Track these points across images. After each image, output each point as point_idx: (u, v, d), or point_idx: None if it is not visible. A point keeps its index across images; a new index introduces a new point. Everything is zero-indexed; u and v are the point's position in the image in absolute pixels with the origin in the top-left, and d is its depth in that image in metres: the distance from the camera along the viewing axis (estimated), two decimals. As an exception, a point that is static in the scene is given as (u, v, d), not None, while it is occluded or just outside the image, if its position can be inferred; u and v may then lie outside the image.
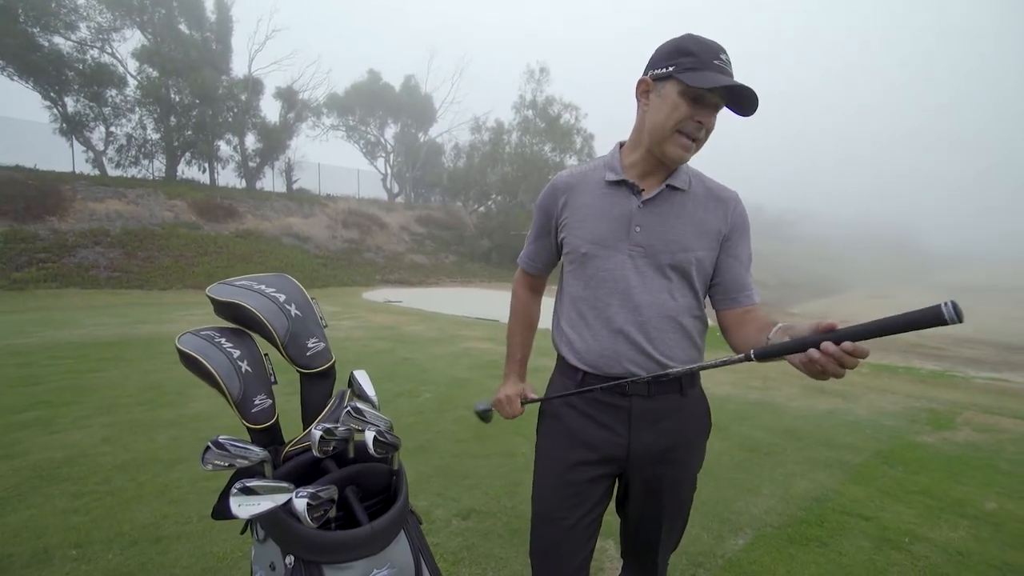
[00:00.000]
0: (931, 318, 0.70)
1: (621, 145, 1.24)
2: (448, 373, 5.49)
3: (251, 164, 22.56)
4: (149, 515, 2.46)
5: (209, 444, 0.85)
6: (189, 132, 20.11)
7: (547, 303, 1.38)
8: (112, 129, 18.83)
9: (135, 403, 4.13)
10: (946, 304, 0.69)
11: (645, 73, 1.12)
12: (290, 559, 0.80)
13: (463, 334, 8.23)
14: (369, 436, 0.95)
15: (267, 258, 16.59)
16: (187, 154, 20.65)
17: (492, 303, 13.52)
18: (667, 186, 1.16)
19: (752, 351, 0.89)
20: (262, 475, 0.91)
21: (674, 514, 1.29)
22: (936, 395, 5.39)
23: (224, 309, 1.10)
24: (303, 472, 0.99)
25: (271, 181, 23.72)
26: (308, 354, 1.09)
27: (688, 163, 1.20)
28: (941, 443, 3.75)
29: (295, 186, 23.96)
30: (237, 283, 1.13)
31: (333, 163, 26.39)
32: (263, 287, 1.11)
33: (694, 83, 1.02)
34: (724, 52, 1.05)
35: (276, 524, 0.82)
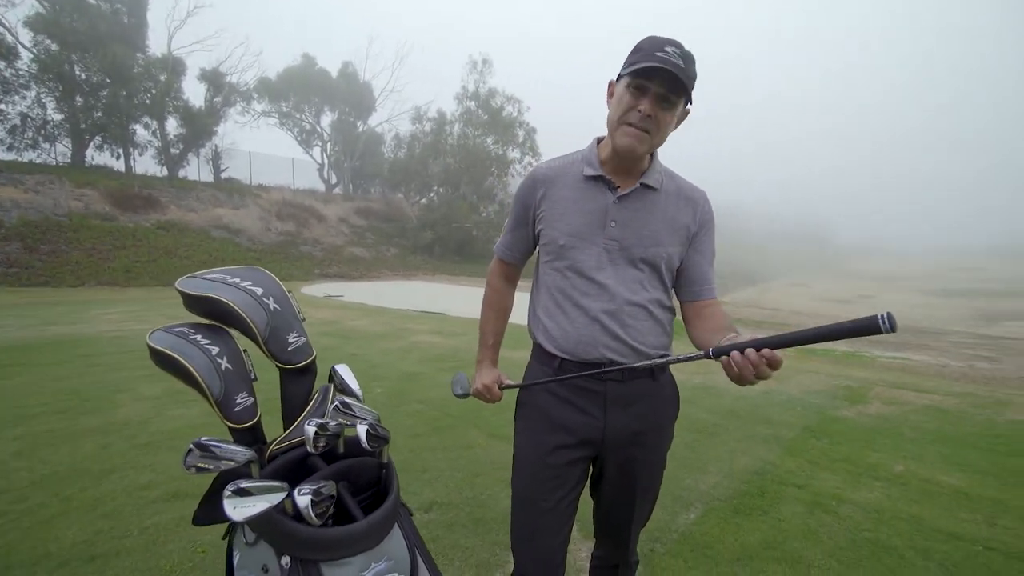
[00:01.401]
0: (868, 327, 0.78)
1: (599, 140, 1.28)
2: (399, 368, 5.41)
3: (173, 151, 20.89)
4: (79, 532, 2.27)
5: (191, 446, 0.81)
6: (99, 114, 18.27)
7: (519, 298, 1.41)
8: (1, 107, 16.72)
9: (51, 412, 3.76)
10: (883, 317, 0.76)
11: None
12: (286, 559, 0.78)
13: (410, 327, 8.12)
14: (362, 430, 0.94)
15: (194, 251, 15.50)
16: (97, 138, 18.77)
17: (437, 296, 13.40)
18: (641, 184, 1.21)
19: (711, 349, 0.98)
20: (248, 476, 0.87)
21: (646, 493, 1.36)
22: (850, 373, 5.95)
23: (197, 304, 1.04)
24: (291, 470, 0.96)
25: (196, 170, 22.09)
26: (289, 349, 1.05)
27: (659, 162, 1.27)
28: (857, 416, 4.16)
29: (224, 175, 22.44)
30: (208, 276, 1.07)
31: (266, 151, 24.98)
32: (238, 280, 1.05)
33: (626, 71, 1.10)
34: (673, 45, 1.08)
35: (270, 524, 0.79)
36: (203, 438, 0.82)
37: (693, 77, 1.09)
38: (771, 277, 33.75)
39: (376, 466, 0.98)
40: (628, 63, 1.11)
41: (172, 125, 20.82)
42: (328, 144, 29.61)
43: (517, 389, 1.36)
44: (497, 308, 1.46)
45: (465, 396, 1.40)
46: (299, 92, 27.66)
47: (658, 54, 1.06)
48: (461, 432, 3.56)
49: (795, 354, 7.30)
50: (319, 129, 29.47)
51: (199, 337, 0.99)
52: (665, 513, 2.50)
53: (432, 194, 26.53)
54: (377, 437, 0.96)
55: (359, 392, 1.12)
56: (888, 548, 2.27)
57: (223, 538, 0.97)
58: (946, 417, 4.19)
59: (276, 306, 1.06)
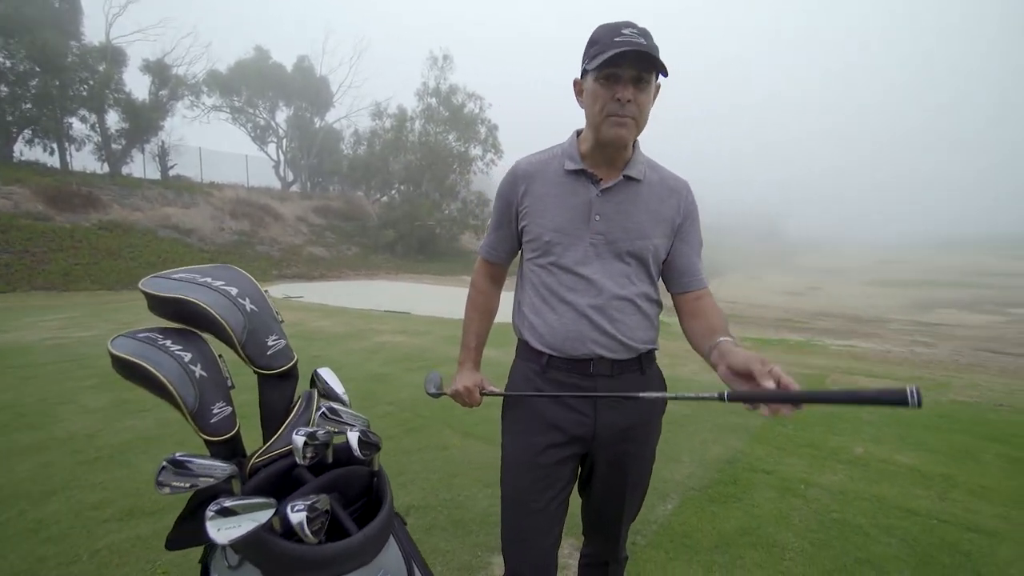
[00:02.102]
0: (895, 399, 0.75)
1: (578, 133, 1.26)
2: (365, 369, 5.28)
3: (115, 146, 19.66)
4: (19, 559, 2.08)
5: (164, 463, 0.73)
6: (28, 105, 16.96)
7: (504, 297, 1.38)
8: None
9: (-19, 428, 3.46)
10: (912, 392, 0.73)
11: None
12: (275, 581, 0.72)
13: (375, 328, 7.94)
14: (353, 438, 0.88)
15: (140, 252, 14.64)
16: (27, 132, 17.43)
17: (401, 295, 13.18)
18: (624, 176, 1.20)
19: (726, 394, 0.92)
20: (229, 492, 0.80)
21: (635, 488, 1.36)
22: (807, 361, 6.21)
23: (165, 306, 0.95)
24: (276, 484, 0.88)
25: (142, 167, 20.86)
26: (269, 353, 0.98)
27: (641, 152, 1.26)
28: (818, 402, 4.34)
29: (171, 172, 21.29)
30: (176, 276, 0.98)
31: (217, 148, 23.86)
32: (209, 280, 0.96)
33: (592, 66, 1.08)
34: (629, 26, 1.07)
35: (257, 545, 0.73)
36: (177, 453, 0.75)
37: (657, 50, 1.07)
38: (726, 271, 35.00)
39: (367, 475, 0.92)
40: (590, 56, 1.10)
41: (113, 119, 19.57)
42: (284, 140, 28.59)
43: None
44: (482, 310, 1.43)
45: (439, 395, 1.35)
46: (252, 86, 26.56)
47: (618, 39, 1.05)
48: (435, 433, 3.50)
49: (750, 344, 7.59)
50: (274, 125, 28.41)
51: (168, 343, 0.90)
52: (644, 505, 2.52)
53: (393, 192, 26.04)
54: (369, 444, 0.90)
55: (345, 397, 1.06)
56: (854, 527, 2.37)
57: (200, 562, 0.89)
58: (897, 400, 4.43)
59: (253, 307, 0.98)
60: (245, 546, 0.70)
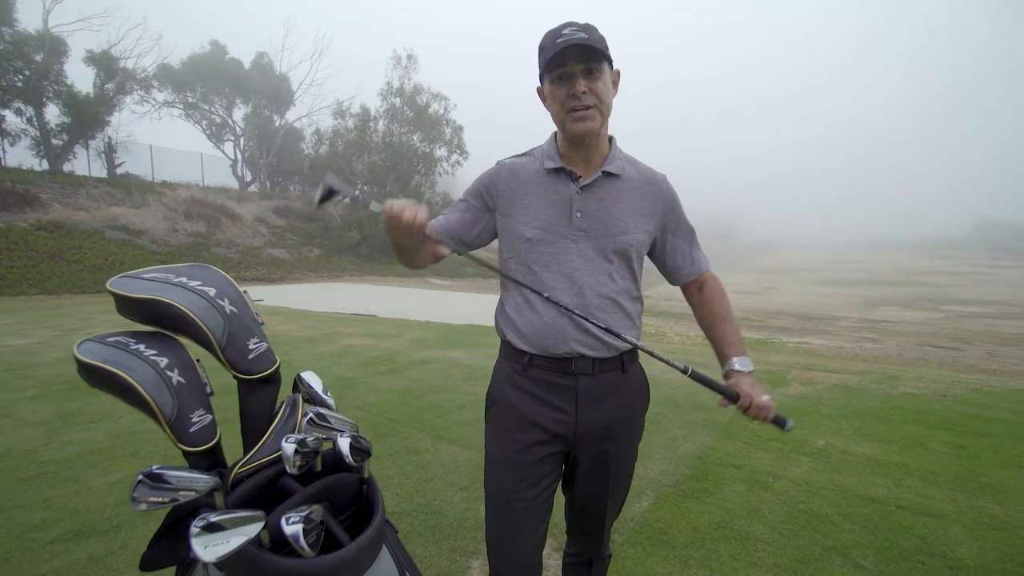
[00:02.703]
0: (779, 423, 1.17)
1: (555, 135, 1.26)
2: (332, 373, 5.13)
3: (55, 142, 18.47)
4: (-48, 590, 1.92)
5: (141, 477, 0.67)
6: (-45, 97, 15.78)
7: (485, 299, 1.35)
8: None
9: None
10: (789, 424, 1.16)
11: None
12: (265, 598, 0.67)
13: (340, 331, 7.75)
14: (344, 444, 0.84)
15: (85, 254, 13.80)
16: (-46, 125, 16.19)
17: (366, 297, 12.92)
18: (603, 172, 1.21)
19: (689, 369, 1.15)
20: (212, 506, 0.75)
21: (619, 485, 1.36)
22: (768, 358, 6.44)
23: (135, 308, 0.88)
24: (261, 496, 0.83)
25: (86, 164, 19.70)
26: (250, 357, 0.92)
27: (619, 148, 1.27)
28: (780, 397, 4.50)
29: (119, 170, 20.19)
30: (148, 276, 0.91)
31: (170, 145, 22.78)
32: (184, 280, 0.90)
33: (544, 70, 1.13)
34: (569, 25, 1.11)
35: (246, 561, 0.68)
36: (154, 466, 0.69)
37: (601, 40, 1.11)
38: (688, 272, 35.92)
39: (356, 482, 0.88)
40: (541, 62, 1.14)
41: (53, 113, 18.40)
42: (242, 139, 27.58)
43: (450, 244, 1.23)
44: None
45: (330, 198, 1.00)
46: (207, 82, 25.50)
47: (559, 40, 1.09)
48: (406, 437, 3.43)
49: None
50: (231, 123, 27.38)
51: (142, 347, 0.84)
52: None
53: (357, 192, 25.49)
54: (360, 450, 0.87)
55: (331, 401, 1.01)
56: (820, 517, 2.46)
57: (177, 581, 0.83)
58: (852, 394, 4.65)
59: (232, 308, 0.92)
60: (231, 562, 0.66)
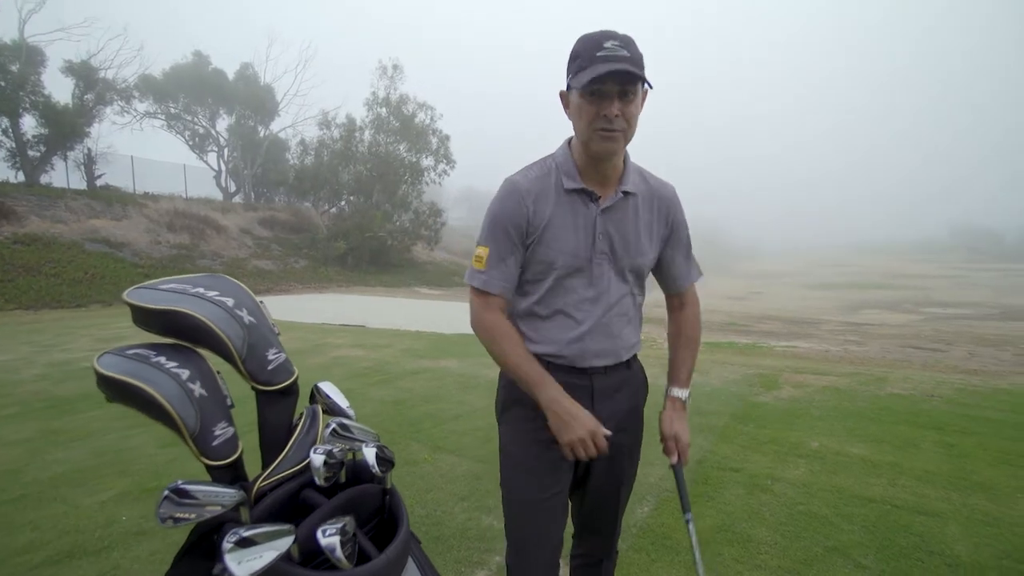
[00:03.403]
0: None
1: (569, 141, 1.25)
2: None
3: (32, 153, 18.08)
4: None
5: (167, 493, 0.66)
6: (-72, 108, 15.37)
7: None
8: None
9: None
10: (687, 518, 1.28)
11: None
12: (295, 613, 0.66)
13: (329, 342, 7.66)
14: (370, 454, 0.83)
15: (65, 268, 13.47)
16: (-73, 137, 15.76)
17: (354, 308, 12.81)
18: (622, 192, 1.21)
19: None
20: (236, 521, 0.73)
21: (630, 480, 1.40)
22: (758, 363, 6.51)
23: (155, 319, 0.86)
24: (285, 509, 0.82)
25: (64, 176, 19.26)
26: (269, 368, 0.91)
27: (631, 161, 1.28)
28: (774, 400, 4.56)
29: (99, 182, 19.79)
30: (164, 287, 0.89)
31: (152, 157, 22.44)
32: (201, 290, 0.89)
33: (576, 84, 1.07)
34: (611, 38, 1.05)
35: (278, 575, 0.66)
36: (180, 481, 0.68)
37: (641, 59, 1.06)
38: (675, 278, 36.25)
39: (379, 493, 0.87)
40: (573, 71, 1.08)
41: (30, 124, 18.00)
42: (225, 150, 27.28)
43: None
44: (517, 338, 1.22)
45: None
46: (190, 92, 25.21)
47: (600, 54, 1.03)
48: (403, 448, 3.39)
49: (707, 348, 7.89)
50: (215, 133, 27.07)
51: (163, 359, 0.82)
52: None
53: (343, 203, 25.35)
54: (385, 460, 0.86)
55: (351, 411, 1.00)
56: (820, 518, 2.49)
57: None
58: (842, 395, 4.72)
59: (251, 319, 0.91)
60: (263, 577, 0.64)
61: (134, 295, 0.87)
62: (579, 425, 1.11)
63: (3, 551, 2.24)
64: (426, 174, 25.39)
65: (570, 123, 1.20)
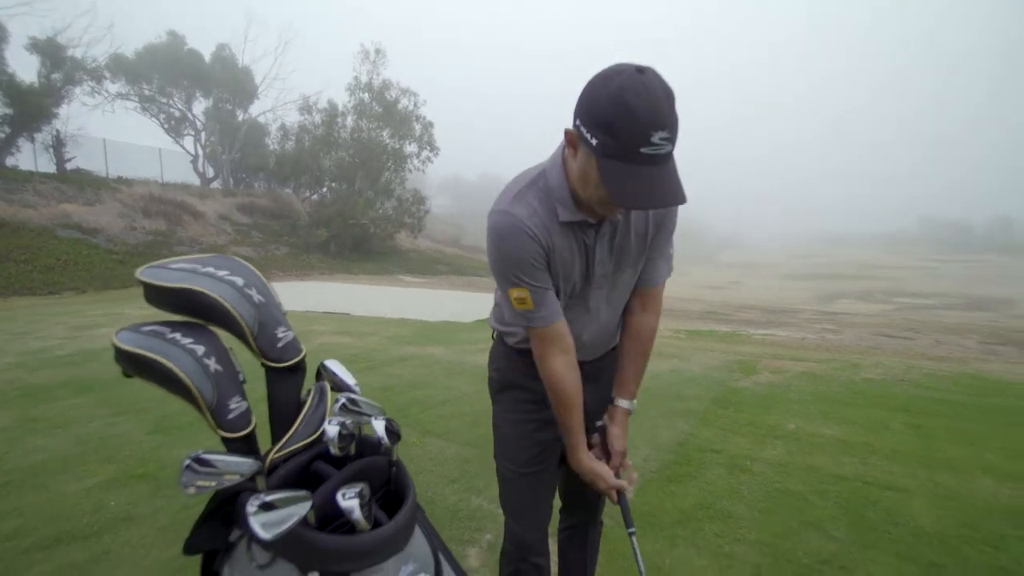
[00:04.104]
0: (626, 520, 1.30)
1: (564, 161, 1.07)
2: (309, 371, 5.05)
3: (-5, 134, 17.39)
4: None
5: (189, 462, 0.69)
6: None
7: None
8: None
9: None
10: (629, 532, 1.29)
11: (574, 120, 0.94)
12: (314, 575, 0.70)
13: (314, 329, 7.61)
14: (379, 426, 0.87)
15: (35, 255, 13.04)
16: None
17: (338, 296, 12.70)
18: (618, 215, 1.13)
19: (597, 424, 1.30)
20: (253, 490, 0.76)
21: None
22: (738, 349, 6.69)
23: (168, 297, 0.88)
24: (298, 479, 0.85)
25: (32, 158, 18.57)
26: (279, 346, 0.93)
27: None
28: (752, 385, 4.70)
29: (69, 165, 19.13)
30: (174, 266, 0.91)
31: (125, 140, 21.73)
32: (212, 269, 0.90)
33: (611, 195, 0.91)
34: (662, 126, 0.85)
35: (294, 539, 0.70)
36: (201, 452, 0.70)
37: (677, 132, 0.89)
38: (656, 268, 36.70)
39: (386, 465, 0.91)
40: (606, 151, 0.88)
41: (-8, 103, 17.27)
42: (203, 134, 26.56)
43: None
44: (579, 400, 1.21)
45: None
46: (165, 74, 24.41)
47: (645, 151, 0.85)
48: (393, 433, 3.43)
49: (685, 336, 8.06)
50: (191, 116, 26.31)
51: (178, 336, 0.84)
52: (609, 489, 2.64)
53: (325, 189, 24.96)
54: (393, 432, 0.89)
55: (357, 388, 1.03)
56: (795, 495, 2.61)
57: (213, 568, 0.83)
58: (819, 380, 4.90)
59: (260, 298, 0.93)
60: (284, 541, 0.68)
61: (147, 274, 0.88)
62: (603, 484, 1.23)
63: (-11, 536, 2.22)
64: (409, 161, 25.11)
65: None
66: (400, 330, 7.66)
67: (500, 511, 1.44)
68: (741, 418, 3.74)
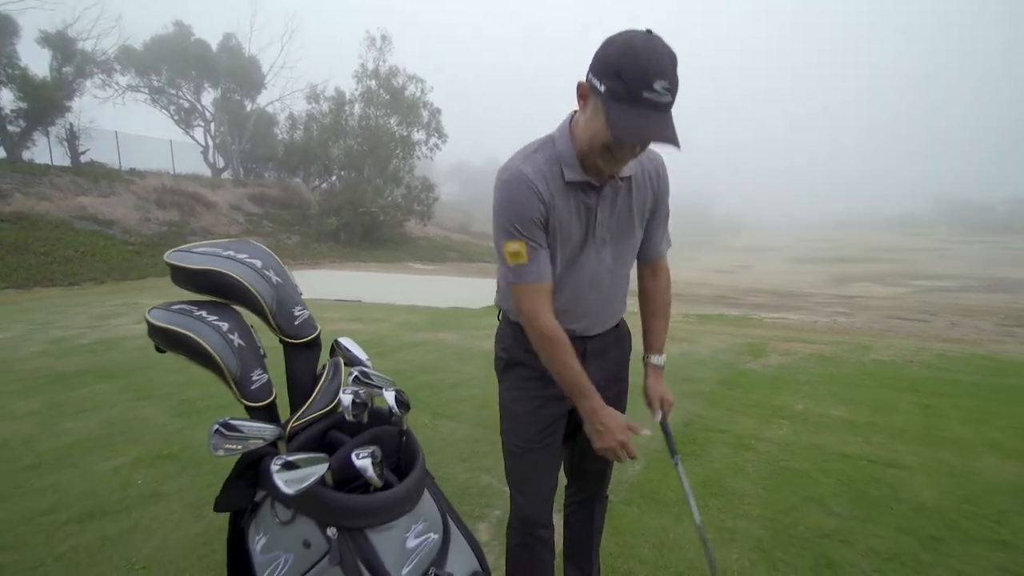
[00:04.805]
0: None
1: (571, 124, 1.18)
2: (322, 357, 5.17)
3: (12, 128, 17.64)
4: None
5: (218, 426, 0.75)
6: None
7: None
8: None
9: None
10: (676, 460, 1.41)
11: (587, 75, 1.04)
12: (332, 531, 0.76)
13: (327, 316, 7.74)
14: (390, 396, 0.93)
15: (54, 246, 13.33)
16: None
17: (349, 284, 12.84)
18: (619, 179, 1.22)
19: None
20: (276, 454, 0.83)
21: None
22: (747, 332, 6.69)
23: (194, 278, 0.94)
24: (315, 446, 0.92)
25: (47, 152, 18.85)
26: (296, 323, 1.00)
27: None
28: (760, 367, 4.73)
29: (84, 158, 19.41)
30: (198, 251, 0.97)
31: (137, 132, 21.95)
32: (232, 253, 0.97)
33: (612, 130, 0.99)
34: (661, 76, 0.95)
35: (314, 497, 0.77)
36: (228, 418, 0.77)
37: (677, 89, 0.99)
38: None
39: (397, 434, 0.98)
40: (609, 89, 0.98)
41: (8, 98, 17.51)
42: (212, 124, 26.71)
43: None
44: (568, 344, 1.22)
45: None
46: (173, 64, 24.52)
47: (646, 95, 0.95)
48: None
49: (695, 320, 8.06)
50: (200, 107, 26.45)
51: (204, 313, 0.91)
52: (615, 468, 2.69)
53: (334, 178, 25.04)
54: (403, 403, 0.96)
55: (369, 363, 1.10)
56: (799, 472, 2.66)
57: (242, 523, 0.91)
58: (828, 362, 4.91)
59: (278, 279, 0.99)
60: (300, 499, 0.74)
61: (174, 256, 0.95)
62: (610, 437, 1.17)
63: (29, 511, 2.35)
64: (417, 148, 25.07)
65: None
66: (411, 316, 7.76)
67: (508, 488, 1.49)
68: (748, 399, 3.78)
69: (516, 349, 1.40)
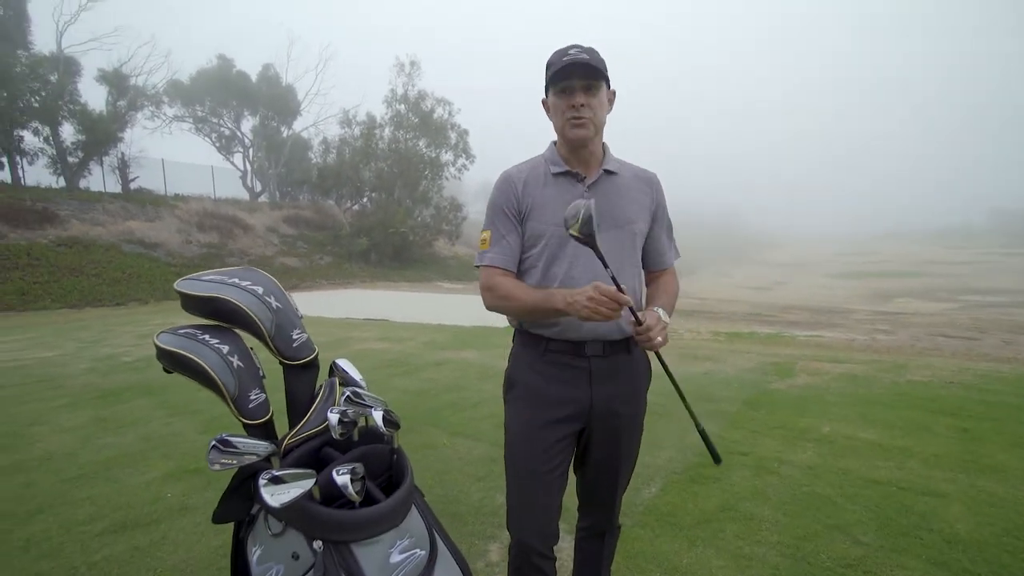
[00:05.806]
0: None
1: (555, 143, 1.42)
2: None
3: (71, 159, 18.95)
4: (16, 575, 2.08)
5: (215, 442, 0.81)
6: (-26, 120, 16.25)
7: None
8: None
9: (-49, 453, 3.37)
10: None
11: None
12: (318, 544, 0.80)
13: (354, 336, 7.92)
14: (378, 416, 0.97)
15: (104, 268, 14.14)
16: (-26, 146, 16.67)
17: (378, 303, 13.11)
18: (604, 171, 1.37)
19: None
20: (269, 469, 0.88)
21: (628, 458, 1.49)
22: (777, 351, 6.50)
23: (200, 304, 1.02)
24: (308, 462, 0.97)
25: (101, 180, 20.14)
26: (294, 345, 1.06)
27: (611, 152, 1.42)
28: (787, 388, 4.58)
29: (133, 185, 20.65)
30: (206, 278, 1.06)
31: (181, 159, 23.23)
32: (237, 280, 1.05)
33: (548, 81, 1.29)
34: (575, 47, 1.28)
35: (301, 511, 0.81)
36: (224, 434, 0.83)
37: (601, 62, 1.27)
38: (698, 268, 35.88)
39: (388, 452, 1.02)
40: (547, 77, 1.30)
41: (68, 131, 18.87)
42: (251, 150, 28.02)
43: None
44: (519, 282, 1.35)
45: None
46: (215, 95, 25.99)
47: (565, 59, 1.25)
48: (422, 433, 3.57)
49: (724, 338, 7.88)
50: (240, 134, 27.84)
51: (207, 337, 0.98)
52: (629, 489, 2.64)
53: (365, 199, 25.79)
54: (391, 422, 1.00)
55: (363, 383, 1.15)
56: (823, 498, 2.56)
57: (240, 535, 0.96)
58: (859, 382, 4.71)
59: (278, 304, 1.06)
60: (289, 512, 0.79)
61: (183, 285, 1.03)
62: (581, 304, 1.13)
63: (69, 521, 2.49)
64: (446, 169, 25.62)
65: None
66: (437, 335, 7.86)
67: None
68: (772, 420, 3.67)
69: (519, 367, 1.42)
